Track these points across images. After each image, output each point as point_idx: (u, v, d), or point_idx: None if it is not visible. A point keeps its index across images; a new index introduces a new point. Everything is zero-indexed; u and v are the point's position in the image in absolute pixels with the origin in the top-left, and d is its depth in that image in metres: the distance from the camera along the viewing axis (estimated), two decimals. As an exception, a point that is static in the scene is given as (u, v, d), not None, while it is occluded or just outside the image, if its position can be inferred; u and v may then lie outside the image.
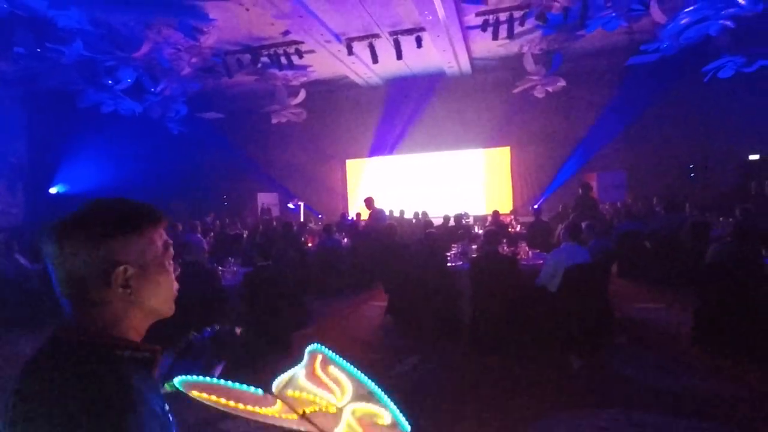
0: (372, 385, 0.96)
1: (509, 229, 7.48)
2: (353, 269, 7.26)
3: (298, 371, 1.01)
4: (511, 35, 8.55)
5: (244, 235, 8.40)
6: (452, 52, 9.90)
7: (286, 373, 1.02)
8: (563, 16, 7.88)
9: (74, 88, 8.57)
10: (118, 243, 0.83)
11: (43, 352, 0.82)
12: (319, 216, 12.71)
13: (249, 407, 0.98)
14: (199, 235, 7.89)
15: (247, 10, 7.48)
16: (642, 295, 5.71)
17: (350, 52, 9.36)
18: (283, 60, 9.37)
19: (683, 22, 7.18)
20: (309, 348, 1.01)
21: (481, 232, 6.74)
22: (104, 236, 0.82)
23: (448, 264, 5.16)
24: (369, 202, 8.29)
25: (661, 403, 3.22)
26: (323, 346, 1.01)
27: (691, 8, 6.93)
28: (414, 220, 9.41)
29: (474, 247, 5.68)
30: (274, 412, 0.99)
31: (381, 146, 13.13)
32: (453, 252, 5.68)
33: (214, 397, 0.97)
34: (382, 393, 0.96)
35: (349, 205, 13.49)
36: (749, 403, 3.16)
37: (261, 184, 13.53)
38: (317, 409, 0.98)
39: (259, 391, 0.98)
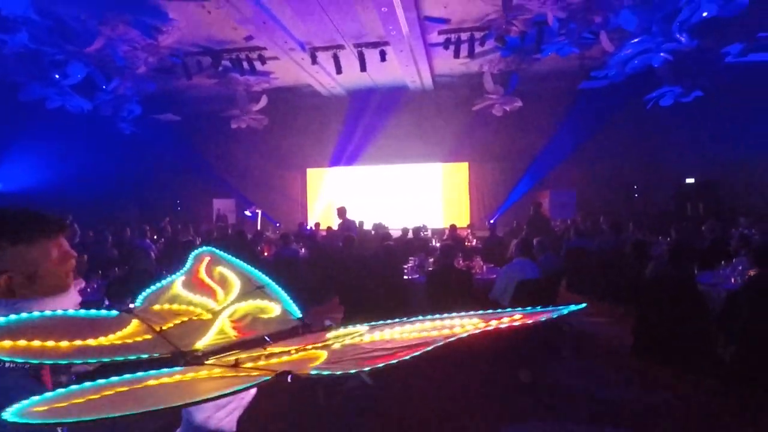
0: (263, 277, 0.91)
1: (465, 243, 7.64)
2: (310, 280, 7.16)
3: (176, 279, 0.92)
4: (471, 54, 8.85)
5: (197, 242, 8.12)
6: (415, 67, 10.10)
7: (156, 285, 0.90)
8: (520, 39, 8.26)
9: (17, 80, 8.06)
10: (4, 252, 0.86)
11: None
12: (277, 225, 12.50)
13: (90, 341, 0.70)
14: (148, 241, 7.55)
15: (209, 12, 7.33)
16: (587, 310, 5.96)
17: (314, 62, 9.35)
18: (245, 65, 9.23)
19: (628, 52, 7.70)
20: (194, 252, 0.97)
21: (438, 245, 6.85)
22: None
23: (405, 277, 5.20)
24: (341, 212, 8.24)
25: (603, 415, 3.36)
26: (214, 248, 0.97)
27: (636, 40, 7.46)
28: (373, 232, 9.44)
29: (431, 260, 5.76)
30: (125, 334, 0.75)
31: (342, 156, 13.14)
32: (410, 265, 5.73)
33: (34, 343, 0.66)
34: (274, 284, 0.90)
35: (309, 214, 13.35)
36: (684, 411, 3.36)
37: (217, 190, 13.16)
38: (184, 320, 0.82)
39: (113, 312, 0.81)
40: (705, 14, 6.43)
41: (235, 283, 0.88)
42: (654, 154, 11.50)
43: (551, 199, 11.11)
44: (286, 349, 0.72)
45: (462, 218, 11.74)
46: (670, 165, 11.30)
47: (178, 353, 0.73)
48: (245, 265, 0.93)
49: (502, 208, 12.15)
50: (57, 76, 8.00)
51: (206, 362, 0.70)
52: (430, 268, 5.16)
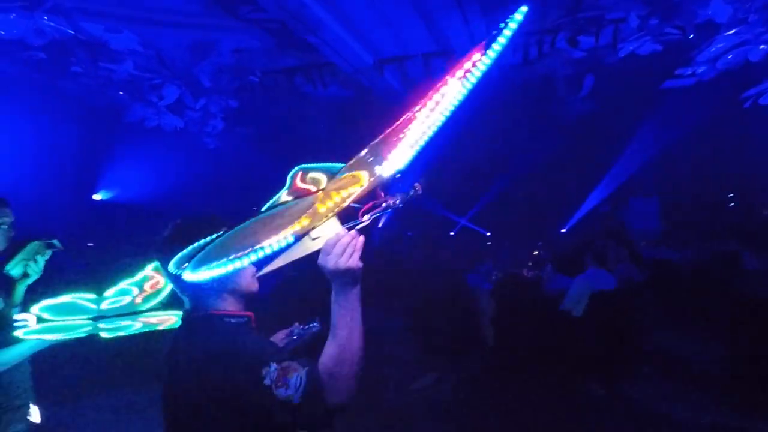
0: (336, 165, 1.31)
1: (534, 252, 7.41)
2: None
3: (281, 193, 1.49)
4: (541, 58, 8.57)
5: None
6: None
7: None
8: (595, 39, 7.84)
9: (122, 103, 9.15)
10: None
11: (182, 323, 1.40)
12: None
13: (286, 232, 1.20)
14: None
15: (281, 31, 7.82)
16: (672, 325, 5.51)
17: (381, 73, 9.58)
18: (317, 80, 9.69)
19: (720, 46, 7.05)
20: (291, 172, 1.48)
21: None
22: None
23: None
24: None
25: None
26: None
27: (731, 32, 6.79)
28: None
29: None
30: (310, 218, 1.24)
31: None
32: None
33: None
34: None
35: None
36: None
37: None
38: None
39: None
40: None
41: (323, 179, 1.31)
42: (754, 157, 10.36)
43: (631, 207, 10.40)
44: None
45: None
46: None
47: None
48: (324, 164, 1.40)
49: (574, 216, 11.58)
50: (155, 99, 8.97)
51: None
52: (497, 275, 5.08)
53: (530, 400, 3.65)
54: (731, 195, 10.65)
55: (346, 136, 12.91)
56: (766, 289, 3.80)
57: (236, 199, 13.93)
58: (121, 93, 8.93)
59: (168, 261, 1.21)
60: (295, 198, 1.23)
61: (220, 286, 1.34)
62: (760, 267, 5.00)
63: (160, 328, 2.13)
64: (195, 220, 1.41)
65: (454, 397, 3.79)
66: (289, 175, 1.44)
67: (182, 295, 1.40)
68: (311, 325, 1.74)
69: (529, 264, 5.44)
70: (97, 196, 12.22)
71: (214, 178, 13.18)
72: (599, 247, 4.62)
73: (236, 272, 1.26)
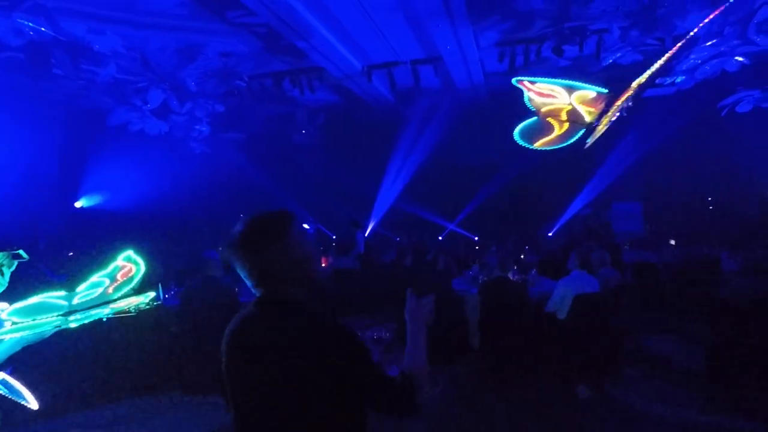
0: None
1: (521, 256, 7.49)
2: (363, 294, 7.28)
3: None
4: (527, 66, 8.72)
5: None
6: (469, 79, 10.12)
7: None
8: (579, 48, 8.03)
9: (105, 107, 9.01)
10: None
11: (257, 309, 1.48)
12: (333, 237, 12.84)
13: None
14: (214, 251, 8.05)
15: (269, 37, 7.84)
16: (654, 327, 5.62)
17: (369, 79, 9.66)
18: (305, 85, 9.72)
19: (697, 57, 7.28)
20: None
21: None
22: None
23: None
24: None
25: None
26: None
27: (707, 44, 7.02)
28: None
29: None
30: None
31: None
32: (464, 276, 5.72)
33: None
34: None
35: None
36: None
37: (278, 204, 13.74)
38: None
39: None
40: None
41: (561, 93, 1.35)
42: (732, 163, 10.65)
43: (614, 211, 10.59)
44: None
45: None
46: (751, 175, 10.43)
47: None
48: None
49: (560, 220, 11.74)
50: (139, 102, 8.86)
51: None
52: (484, 279, 5.12)
53: (516, 402, 3.69)
54: (710, 199, 10.95)
55: (334, 142, 12.96)
56: (743, 290, 3.91)
57: (223, 205, 13.84)
58: (104, 96, 8.82)
59: (246, 255, 1.43)
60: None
61: (300, 273, 1.45)
62: (736, 268, 5.13)
63: (128, 310, 2.20)
64: (269, 214, 1.52)
65: (442, 400, 3.81)
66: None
67: (257, 286, 1.47)
68: (384, 334, 1.97)
69: (515, 268, 5.50)
70: (79, 204, 11.97)
71: (200, 183, 13.04)
72: (582, 250, 4.71)
73: (314, 261, 1.50)
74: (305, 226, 12.44)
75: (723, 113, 8.82)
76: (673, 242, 7.76)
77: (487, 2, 7.12)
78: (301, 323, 1.39)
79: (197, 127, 10.44)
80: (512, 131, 9.60)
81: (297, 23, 6.92)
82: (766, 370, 3.55)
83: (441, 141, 12.51)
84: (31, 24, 6.39)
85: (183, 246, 7.99)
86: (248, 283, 1.49)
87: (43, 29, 6.51)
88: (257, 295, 1.49)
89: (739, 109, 8.59)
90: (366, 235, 11.83)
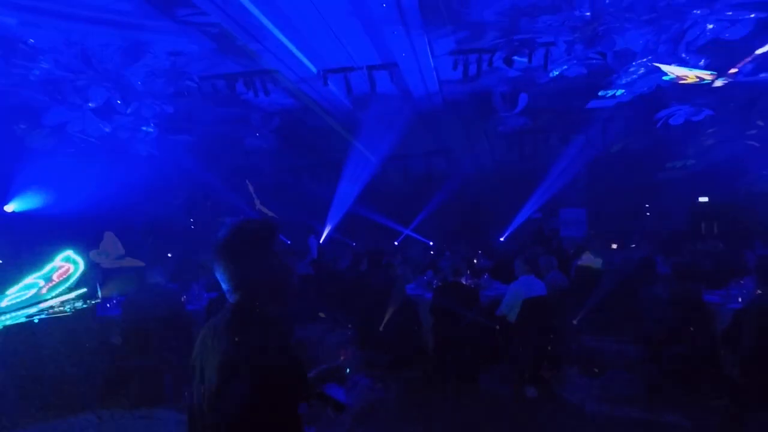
0: None
1: (474, 261, 7.66)
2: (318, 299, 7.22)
3: None
4: (479, 75, 8.99)
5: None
6: (424, 86, 10.28)
7: None
8: (528, 60, 8.37)
9: (41, 105, 8.41)
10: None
11: (229, 318, 1.46)
12: (288, 242, 12.63)
13: None
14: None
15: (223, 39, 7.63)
16: (596, 327, 5.91)
17: (325, 83, 9.59)
18: (259, 88, 9.51)
19: (634, 71, 7.77)
20: None
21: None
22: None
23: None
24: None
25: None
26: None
27: (642, 60, 7.52)
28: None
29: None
30: None
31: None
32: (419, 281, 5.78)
33: None
34: None
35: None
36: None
37: (229, 208, 13.39)
38: None
39: None
40: (710, 35, 6.50)
41: None
42: (666, 173, 11.43)
43: (561, 217, 11.09)
44: None
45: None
46: (682, 184, 11.23)
47: None
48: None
49: (511, 225, 12.14)
50: (79, 101, 8.32)
51: None
52: (438, 284, 5.20)
53: (468, 404, 3.76)
54: (647, 205, 11.69)
55: (289, 146, 12.76)
56: (676, 291, 4.19)
57: (170, 210, 13.25)
58: (39, 94, 8.21)
59: (227, 261, 1.45)
60: None
61: (276, 283, 1.50)
62: (670, 271, 5.51)
63: (63, 310, 2.21)
64: (254, 222, 1.55)
65: (396, 405, 3.82)
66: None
67: (234, 291, 1.48)
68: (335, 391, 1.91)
69: (468, 272, 5.62)
70: (9, 207, 11.07)
71: (146, 188, 12.42)
72: (527, 255, 4.90)
73: (291, 272, 1.55)
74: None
75: (658, 125, 9.47)
76: (615, 246, 8.21)
77: (442, 12, 7.27)
78: (262, 342, 1.42)
79: (144, 128, 9.96)
80: (467, 138, 9.86)
81: (250, 24, 6.77)
82: (701, 368, 3.81)
83: (397, 147, 12.66)
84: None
85: (128, 250, 7.59)
86: (225, 287, 1.50)
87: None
88: (231, 301, 1.50)
89: (672, 121, 9.24)
90: (320, 240, 11.71)
